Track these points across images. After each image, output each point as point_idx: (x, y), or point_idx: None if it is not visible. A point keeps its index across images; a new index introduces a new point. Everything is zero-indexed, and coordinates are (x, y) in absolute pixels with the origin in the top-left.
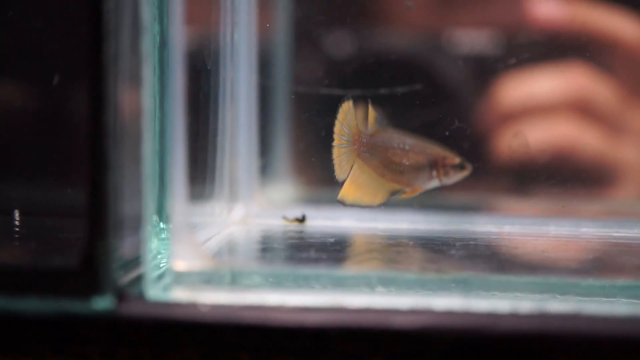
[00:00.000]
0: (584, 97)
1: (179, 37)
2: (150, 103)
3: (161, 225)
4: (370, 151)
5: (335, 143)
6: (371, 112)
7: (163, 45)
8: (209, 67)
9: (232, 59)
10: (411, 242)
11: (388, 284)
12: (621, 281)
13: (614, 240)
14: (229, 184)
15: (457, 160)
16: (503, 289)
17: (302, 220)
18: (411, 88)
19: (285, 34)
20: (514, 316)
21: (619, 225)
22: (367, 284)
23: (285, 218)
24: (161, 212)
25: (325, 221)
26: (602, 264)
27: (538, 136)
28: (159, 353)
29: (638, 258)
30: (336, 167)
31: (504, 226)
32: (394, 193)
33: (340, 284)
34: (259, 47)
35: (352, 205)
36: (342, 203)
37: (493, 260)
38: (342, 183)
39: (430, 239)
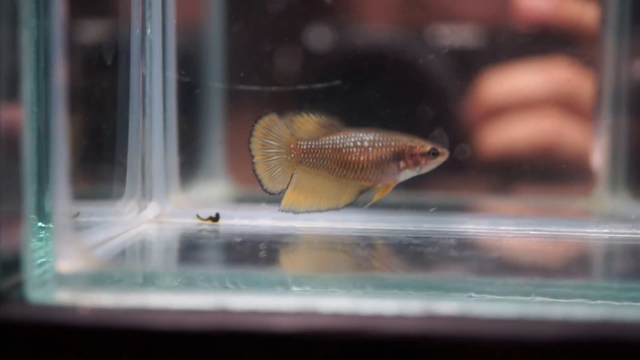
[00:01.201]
0: (568, 92)
1: (60, 31)
2: (29, 99)
3: (43, 224)
4: (316, 156)
5: (256, 159)
6: (312, 117)
7: (44, 39)
8: (108, 63)
9: (143, 54)
10: (338, 243)
11: (276, 284)
12: (512, 281)
13: (529, 238)
14: (141, 182)
15: (427, 147)
16: (395, 288)
17: (215, 219)
18: (330, 84)
19: (217, 27)
20: (401, 318)
21: (539, 222)
22: (255, 284)
23: (198, 217)
24: (43, 212)
25: (254, 220)
26: (502, 262)
27: (522, 132)
28: (40, 358)
29: (542, 256)
30: (266, 182)
31: (423, 224)
32: (363, 191)
33: (226, 285)
34: (182, 41)
35: (306, 212)
36: (290, 211)
37: (395, 259)
38: (278, 194)
39: (363, 238)
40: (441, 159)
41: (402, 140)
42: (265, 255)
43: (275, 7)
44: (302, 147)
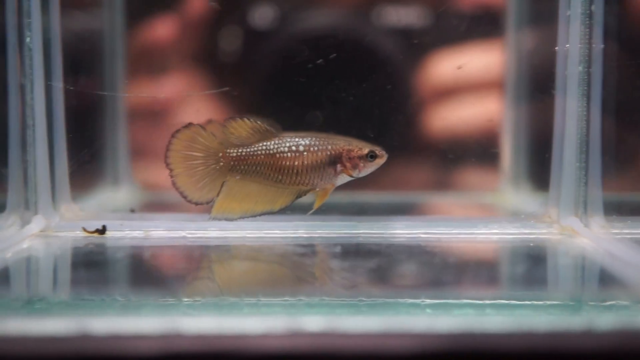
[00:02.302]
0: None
1: None
2: None
3: None
4: (247, 163)
5: (176, 172)
6: (246, 122)
7: None
8: None
9: (23, 63)
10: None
11: (139, 306)
12: (373, 296)
13: (418, 242)
14: (24, 195)
15: (365, 150)
16: (260, 307)
17: (102, 231)
18: (221, 90)
19: (113, 32)
20: (266, 337)
21: (429, 225)
22: (110, 306)
23: (84, 230)
24: None
25: (147, 231)
26: (376, 274)
27: (467, 114)
28: None
29: (419, 264)
30: (190, 193)
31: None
32: (300, 195)
33: (83, 306)
34: (70, 48)
35: (241, 217)
36: (223, 219)
37: (271, 273)
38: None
39: (249, 249)
40: (380, 161)
41: (339, 144)
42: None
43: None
44: (231, 155)
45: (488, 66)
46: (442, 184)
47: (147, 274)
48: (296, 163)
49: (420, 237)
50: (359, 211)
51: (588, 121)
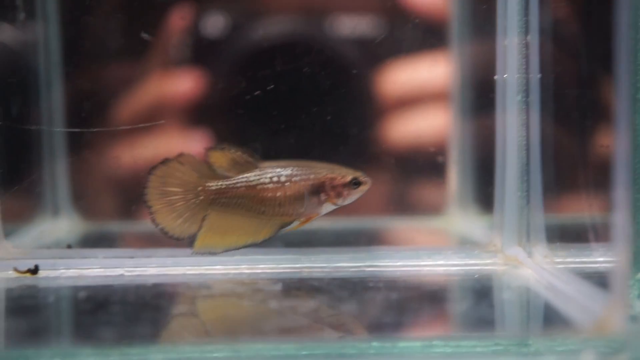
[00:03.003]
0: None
1: None
2: None
3: None
4: (228, 195)
5: (155, 208)
6: (227, 152)
7: None
8: None
9: None
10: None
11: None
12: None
13: (362, 277)
14: None
15: (347, 178)
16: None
17: (34, 271)
18: (154, 124)
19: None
20: None
21: (374, 256)
22: None
23: (16, 270)
24: None
25: (81, 269)
26: (310, 316)
27: (418, 128)
28: None
29: (357, 304)
30: (170, 229)
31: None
32: (284, 225)
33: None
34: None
35: (225, 251)
36: (206, 253)
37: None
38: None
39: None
40: (364, 188)
41: (322, 173)
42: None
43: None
44: (211, 188)
45: (435, 84)
46: (390, 207)
47: (79, 320)
48: (278, 194)
49: (364, 270)
50: (304, 241)
51: (528, 146)
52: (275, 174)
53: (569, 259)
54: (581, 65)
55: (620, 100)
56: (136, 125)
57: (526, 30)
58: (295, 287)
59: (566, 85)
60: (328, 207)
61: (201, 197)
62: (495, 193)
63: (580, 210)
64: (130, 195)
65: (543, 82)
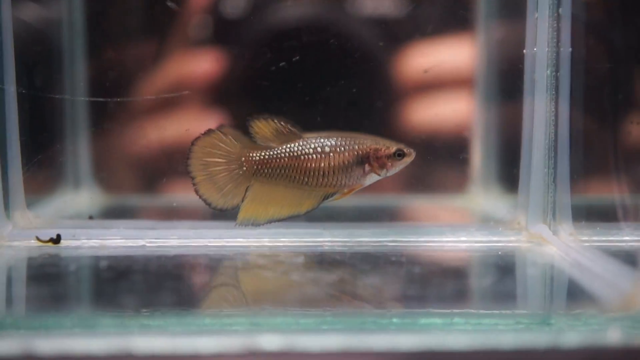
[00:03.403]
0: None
1: None
2: None
3: None
4: (271, 166)
5: (198, 179)
6: (270, 122)
7: None
8: None
9: None
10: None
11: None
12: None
13: (384, 251)
14: None
15: (392, 149)
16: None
17: (56, 240)
18: (177, 94)
19: (72, 32)
20: (221, 357)
21: (396, 232)
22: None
23: (38, 239)
24: None
25: (104, 239)
26: (336, 288)
27: (438, 113)
28: None
29: (381, 277)
30: (214, 199)
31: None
32: (327, 196)
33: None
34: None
35: (267, 222)
36: (249, 224)
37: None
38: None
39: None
40: (407, 160)
41: (366, 143)
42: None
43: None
44: (254, 159)
45: (459, 64)
46: (412, 186)
47: (100, 289)
48: (322, 165)
49: (386, 245)
50: (326, 216)
51: (556, 125)
52: (319, 144)
53: (595, 238)
54: (613, 41)
55: None
56: (159, 95)
57: (558, 3)
58: (317, 260)
59: (597, 60)
60: (372, 178)
61: (244, 168)
62: (520, 172)
63: (609, 190)
64: (152, 169)
65: (574, 57)
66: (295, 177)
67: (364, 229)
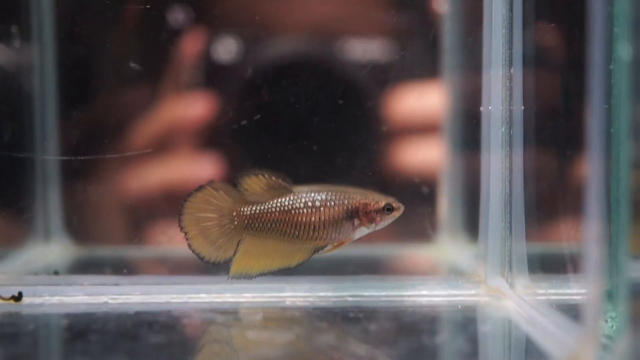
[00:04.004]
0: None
1: None
2: None
3: None
4: (262, 220)
5: (191, 234)
6: (260, 178)
7: None
8: None
9: None
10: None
11: None
12: None
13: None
14: None
15: (380, 204)
16: None
17: (18, 298)
18: (144, 151)
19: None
20: None
21: (357, 286)
22: None
23: (0, 296)
24: None
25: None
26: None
27: (408, 158)
28: None
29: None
30: (207, 254)
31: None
32: (317, 250)
33: None
34: None
35: (259, 275)
36: (242, 278)
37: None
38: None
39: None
40: (396, 214)
41: (356, 198)
42: None
43: None
44: (245, 213)
45: (428, 112)
46: (379, 235)
47: (55, 350)
48: (313, 219)
49: (347, 300)
50: (289, 269)
51: (510, 179)
52: (310, 198)
53: (551, 291)
54: (563, 96)
55: (593, 130)
56: (127, 153)
57: (510, 62)
58: (275, 317)
59: (548, 116)
60: (361, 232)
61: (236, 222)
62: (480, 223)
63: (561, 240)
64: (127, 220)
65: (526, 114)
66: (286, 230)
67: (326, 283)
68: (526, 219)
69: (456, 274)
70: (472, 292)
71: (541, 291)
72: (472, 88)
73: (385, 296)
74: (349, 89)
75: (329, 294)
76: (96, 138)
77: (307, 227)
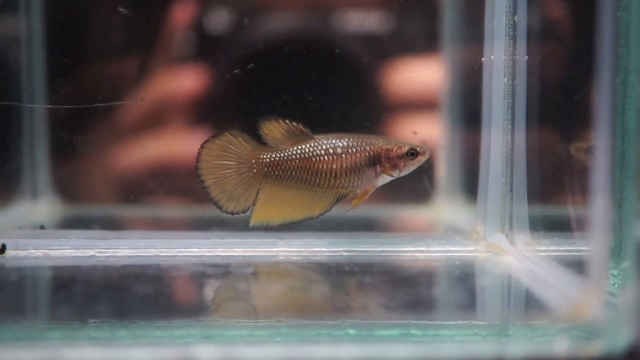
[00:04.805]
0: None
1: None
2: None
3: None
4: (282, 167)
5: (208, 182)
6: (280, 124)
7: None
8: None
9: None
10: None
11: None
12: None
13: (339, 261)
14: None
15: (404, 149)
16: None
17: (1, 251)
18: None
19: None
20: None
21: (351, 242)
22: None
23: None
24: None
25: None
26: (281, 299)
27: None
28: None
29: (332, 288)
30: (224, 203)
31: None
32: (340, 198)
33: None
34: None
35: (280, 224)
36: (262, 227)
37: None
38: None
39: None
40: (421, 159)
41: (377, 144)
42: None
43: None
44: (265, 160)
45: (429, 82)
46: (377, 196)
47: (38, 301)
48: (334, 166)
49: (342, 255)
50: (284, 226)
51: (513, 134)
52: (331, 145)
53: (552, 247)
54: (568, 50)
55: (601, 84)
56: (118, 102)
57: (514, 10)
58: (267, 270)
59: (553, 69)
60: (384, 179)
61: (255, 170)
62: (479, 182)
63: (564, 200)
64: (117, 180)
65: (529, 65)
66: (306, 178)
67: (320, 239)
68: (528, 177)
69: (454, 232)
70: (471, 248)
71: (542, 248)
72: (473, 58)
73: (382, 251)
74: (344, 61)
75: (324, 249)
76: (85, 114)
77: (329, 175)
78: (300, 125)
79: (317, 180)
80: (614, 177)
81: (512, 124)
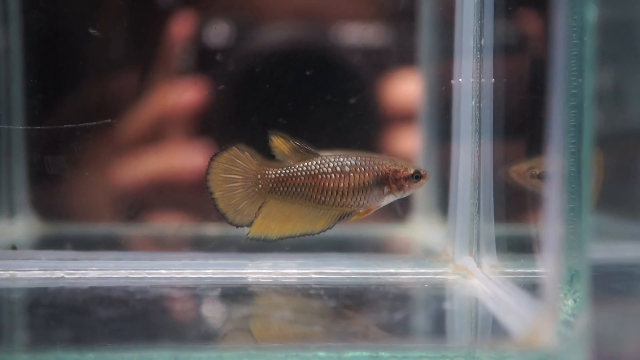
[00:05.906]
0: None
1: None
2: None
3: None
4: (287, 184)
5: (216, 195)
6: (287, 141)
7: None
8: None
9: None
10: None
11: None
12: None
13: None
14: None
15: (410, 171)
16: None
17: None
18: (101, 122)
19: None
20: None
21: (322, 263)
22: None
23: None
24: None
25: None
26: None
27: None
28: None
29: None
30: (230, 215)
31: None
32: (343, 216)
33: None
34: None
35: (279, 238)
36: (260, 239)
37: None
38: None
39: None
40: (423, 182)
41: (385, 164)
42: None
43: None
44: (270, 176)
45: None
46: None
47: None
48: (341, 185)
49: (311, 277)
50: (256, 246)
51: (479, 156)
52: (338, 163)
53: (518, 270)
54: (531, 72)
55: (553, 106)
56: (83, 124)
57: (480, 34)
58: (233, 293)
59: (518, 91)
60: (389, 199)
61: (260, 185)
62: (449, 203)
63: (528, 221)
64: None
65: (495, 87)
66: (312, 196)
67: (290, 260)
68: (495, 198)
69: (426, 252)
70: (440, 270)
71: (508, 270)
72: (445, 75)
73: (351, 273)
74: (341, 74)
75: (293, 270)
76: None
77: (335, 193)
78: (306, 144)
79: (323, 198)
80: (567, 202)
81: (479, 145)
